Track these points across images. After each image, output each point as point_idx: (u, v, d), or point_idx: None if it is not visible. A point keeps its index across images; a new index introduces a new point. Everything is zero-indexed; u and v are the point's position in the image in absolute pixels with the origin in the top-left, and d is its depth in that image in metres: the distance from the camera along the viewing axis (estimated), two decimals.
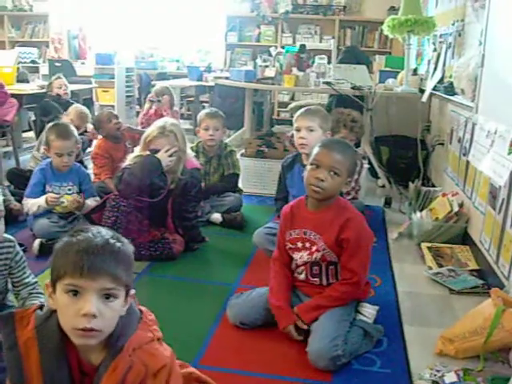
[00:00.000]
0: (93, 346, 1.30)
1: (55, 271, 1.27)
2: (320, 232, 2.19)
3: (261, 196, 4.29)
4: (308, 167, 2.18)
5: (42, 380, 1.30)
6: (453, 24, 4.06)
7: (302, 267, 2.28)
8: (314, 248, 2.20)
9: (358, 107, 4.40)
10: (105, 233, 1.31)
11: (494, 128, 2.62)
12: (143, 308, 1.43)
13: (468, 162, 3.30)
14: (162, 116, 4.57)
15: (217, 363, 2.03)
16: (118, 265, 1.27)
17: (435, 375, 1.96)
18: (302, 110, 3.12)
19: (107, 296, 1.26)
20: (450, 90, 3.84)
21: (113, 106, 7.72)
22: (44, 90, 5.26)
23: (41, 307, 1.37)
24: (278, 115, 8.49)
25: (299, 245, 2.24)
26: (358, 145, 3.98)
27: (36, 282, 2.10)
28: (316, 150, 2.18)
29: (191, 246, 3.17)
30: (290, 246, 2.28)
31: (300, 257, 2.25)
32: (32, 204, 3.21)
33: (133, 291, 1.35)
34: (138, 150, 3.07)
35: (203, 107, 8.16)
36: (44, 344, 1.30)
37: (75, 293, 1.23)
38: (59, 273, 1.25)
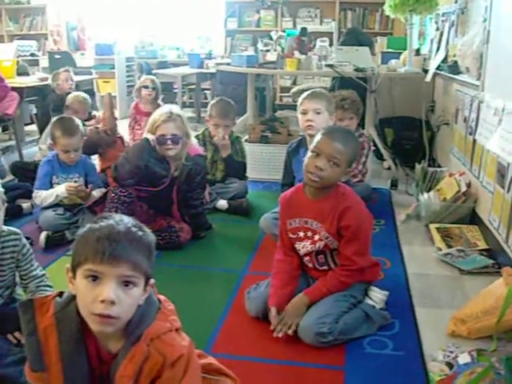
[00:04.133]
0: (111, 334, 1.30)
1: (76, 256, 1.27)
2: (321, 221, 2.16)
3: (266, 181, 4.26)
4: (308, 154, 2.15)
5: (61, 366, 1.31)
6: (455, 2, 4.01)
7: (307, 257, 2.27)
8: (316, 237, 2.18)
9: (362, 89, 4.37)
10: (127, 221, 1.31)
11: (501, 105, 2.58)
12: (162, 297, 1.42)
13: (474, 141, 3.27)
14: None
15: (228, 351, 2.02)
16: (138, 253, 1.27)
17: (448, 356, 1.94)
18: (308, 92, 3.10)
19: (126, 283, 1.26)
20: (455, 68, 3.80)
21: (114, 97, 7.69)
22: (45, 83, 5.23)
23: (60, 294, 1.37)
24: (281, 100, 8.45)
25: (301, 234, 2.22)
26: (362, 126, 3.94)
27: (44, 275, 2.08)
28: (318, 137, 2.14)
29: (198, 233, 3.15)
30: (292, 235, 2.25)
31: (303, 246, 2.23)
32: (48, 195, 3.20)
33: (152, 280, 1.35)
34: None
35: (205, 95, 8.14)
36: (63, 331, 1.31)
37: (95, 278, 1.24)
38: (80, 258, 1.25)
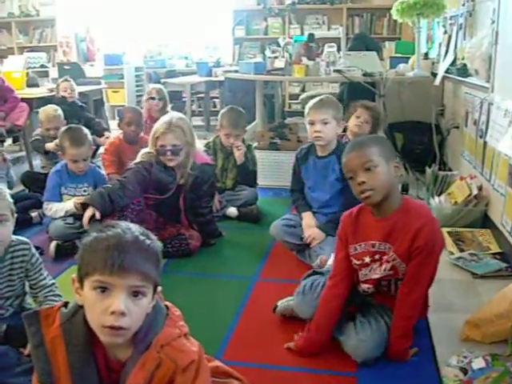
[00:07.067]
0: (120, 343, 1.28)
1: (83, 267, 1.25)
2: (391, 241, 1.95)
3: (276, 188, 4.24)
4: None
5: (70, 378, 1.29)
6: (463, 4, 3.99)
7: (369, 285, 2.05)
8: (384, 258, 1.98)
9: (371, 94, 4.35)
10: (134, 229, 1.29)
11: (511, 106, 2.56)
12: (169, 303, 1.41)
13: (485, 144, 3.24)
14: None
15: (239, 358, 2.00)
16: (147, 262, 1.25)
17: (462, 361, 1.91)
18: (314, 101, 3.01)
19: (136, 294, 1.24)
20: (464, 71, 3.78)
21: (123, 106, 7.72)
22: (53, 93, 5.26)
23: (65, 304, 1.36)
24: (290, 107, 8.44)
25: (367, 259, 2.00)
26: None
27: (53, 284, 2.08)
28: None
29: (208, 241, 3.15)
30: (356, 261, 2.03)
31: (370, 270, 2.01)
32: (58, 209, 3.21)
33: (160, 288, 1.33)
34: (147, 149, 3.05)
35: (214, 103, 8.15)
36: (70, 341, 1.29)
37: (103, 289, 1.22)
38: (87, 269, 1.23)
